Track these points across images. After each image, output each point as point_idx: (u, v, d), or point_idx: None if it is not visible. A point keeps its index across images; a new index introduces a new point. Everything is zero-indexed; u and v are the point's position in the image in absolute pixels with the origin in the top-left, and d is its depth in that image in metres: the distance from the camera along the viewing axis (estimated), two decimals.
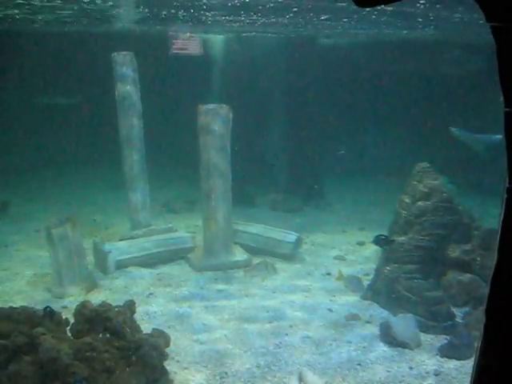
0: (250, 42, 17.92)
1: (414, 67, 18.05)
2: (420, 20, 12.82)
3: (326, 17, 12.85)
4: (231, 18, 13.46)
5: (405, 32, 16.03)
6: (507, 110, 2.03)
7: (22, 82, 18.56)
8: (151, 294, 10.16)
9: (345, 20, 13.40)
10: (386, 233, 9.84)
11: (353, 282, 10.43)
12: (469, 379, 2.65)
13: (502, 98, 2.08)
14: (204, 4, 11.31)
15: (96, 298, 9.50)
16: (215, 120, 11.05)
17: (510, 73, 1.98)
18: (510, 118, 2.03)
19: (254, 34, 17.48)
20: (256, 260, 11.51)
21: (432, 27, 14.36)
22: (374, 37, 18.39)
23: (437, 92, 17.66)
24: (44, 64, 17.76)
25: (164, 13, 12.70)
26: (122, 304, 7.33)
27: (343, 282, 10.50)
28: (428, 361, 7.79)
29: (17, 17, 13.41)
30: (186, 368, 7.54)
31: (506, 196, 2.17)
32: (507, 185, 2.16)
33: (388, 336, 8.28)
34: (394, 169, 15.35)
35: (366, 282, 10.27)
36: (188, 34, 14.53)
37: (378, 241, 9.42)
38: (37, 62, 17.92)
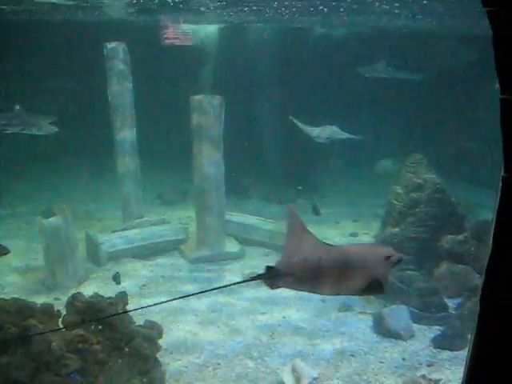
0: (244, 33, 17.84)
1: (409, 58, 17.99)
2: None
3: (321, 5, 12.77)
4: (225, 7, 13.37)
5: (401, 22, 15.99)
6: (503, 96, 2.00)
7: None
8: (144, 285, 10.13)
9: (341, 10, 13.33)
10: (378, 225, 9.86)
11: None
12: (461, 370, 2.64)
13: (497, 85, 2.04)
14: None
15: (88, 289, 9.44)
16: (208, 111, 10.99)
17: (506, 59, 1.95)
18: (505, 105, 2.00)
19: (246, 24, 17.40)
20: (248, 250, 11.49)
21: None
22: (370, 27, 18.33)
23: (431, 84, 17.63)
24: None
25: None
26: (114, 296, 7.29)
27: None
28: (421, 351, 7.80)
29: None
30: (178, 359, 7.54)
31: (500, 185, 2.14)
32: (502, 173, 2.13)
33: (381, 327, 8.29)
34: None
35: None
36: (180, 25, 14.45)
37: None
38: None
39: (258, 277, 4.25)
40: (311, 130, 12.05)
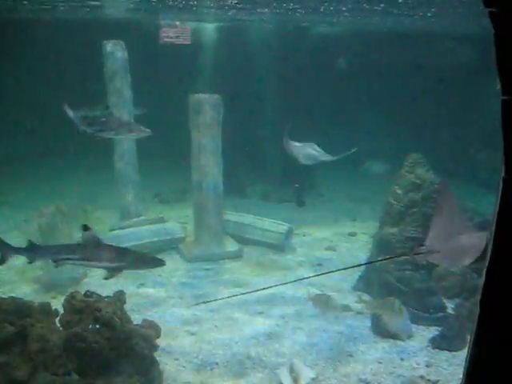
0: (243, 31, 17.85)
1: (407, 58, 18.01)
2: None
3: (318, 4, 12.77)
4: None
5: (398, 22, 16.00)
6: (505, 98, 1.99)
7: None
8: (142, 284, 10.12)
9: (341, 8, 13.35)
10: (377, 224, 9.86)
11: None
12: (460, 370, 2.63)
13: (499, 86, 2.03)
14: None
15: (86, 288, 9.40)
16: (206, 109, 10.98)
17: (508, 60, 1.93)
18: (507, 106, 1.99)
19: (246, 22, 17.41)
20: (246, 250, 11.49)
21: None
22: (367, 26, 18.34)
23: (430, 83, 17.63)
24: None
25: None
26: (112, 295, 7.28)
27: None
28: (419, 352, 7.79)
29: None
30: (176, 359, 7.52)
31: (501, 186, 2.13)
32: (503, 175, 2.12)
33: (379, 327, 8.28)
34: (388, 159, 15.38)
35: (357, 273, 10.23)
36: (178, 23, 14.41)
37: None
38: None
39: (411, 253, 4.88)
40: (294, 148, 11.61)
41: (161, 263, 7.72)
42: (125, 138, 11.30)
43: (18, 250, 7.72)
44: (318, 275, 7.45)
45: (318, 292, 9.16)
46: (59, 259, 7.33)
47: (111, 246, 7.86)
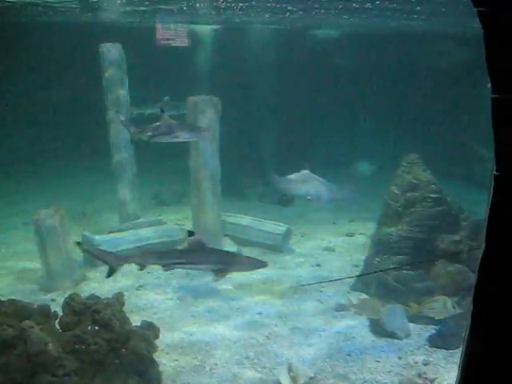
0: (240, 33, 17.89)
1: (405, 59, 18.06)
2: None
3: (317, 6, 12.80)
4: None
5: (395, 23, 16.04)
6: (495, 96, 2.02)
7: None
8: (140, 286, 10.14)
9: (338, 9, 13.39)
10: (374, 225, 9.89)
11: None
12: (457, 368, 2.65)
13: (489, 85, 2.06)
14: None
15: (85, 290, 9.45)
16: (204, 111, 10.99)
17: (498, 58, 1.97)
18: (497, 105, 2.02)
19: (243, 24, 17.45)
20: (245, 251, 11.51)
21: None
22: (365, 28, 18.39)
23: (427, 84, 17.69)
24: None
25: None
26: (110, 297, 7.30)
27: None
28: (417, 351, 7.82)
29: None
30: (175, 360, 7.54)
31: (493, 184, 2.16)
32: (494, 172, 2.15)
33: (377, 326, 8.30)
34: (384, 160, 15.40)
35: (355, 273, 10.25)
36: (174, 25, 14.45)
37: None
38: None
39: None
40: (290, 183, 10.97)
41: (263, 265, 7.89)
42: (186, 141, 10.45)
43: (127, 258, 8.04)
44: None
45: (356, 298, 8.86)
46: (168, 264, 7.59)
47: (215, 249, 8.14)
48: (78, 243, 8.38)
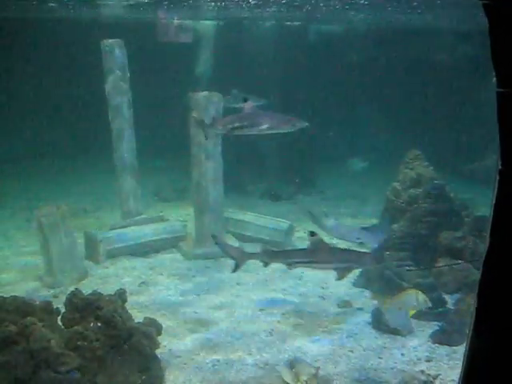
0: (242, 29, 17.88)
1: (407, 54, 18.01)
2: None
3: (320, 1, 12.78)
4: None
5: (396, 19, 16.00)
6: (500, 90, 2.00)
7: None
8: (143, 282, 10.14)
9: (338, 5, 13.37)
10: (376, 222, 9.88)
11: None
12: (460, 365, 2.64)
13: (494, 79, 2.05)
14: None
15: (87, 287, 9.43)
16: (206, 108, 10.97)
17: (503, 52, 1.95)
18: (502, 99, 2.00)
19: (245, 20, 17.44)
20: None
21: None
22: (367, 24, 18.35)
23: (429, 79, 17.63)
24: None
25: None
26: (113, 293, 7.29)
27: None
28: (420, 347, 7.81)
29: None
30: (178, 356, 7.53)
31: (497, 178, 2.14)
32: (499, 167, 2.13)
33: (380, 323, 8.29)
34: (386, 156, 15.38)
35: (358, 270, 10.21)
36: (176, 21, 14.39)
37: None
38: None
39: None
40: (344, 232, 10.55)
41: (379, 261, 7.97)
42: (275, 133, 9.18)
43: (252, 255, 8.22)
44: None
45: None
46: (292, 262, 7.70)
47: (337, 248, 8.21)
48: (214, 236, 8.68)
